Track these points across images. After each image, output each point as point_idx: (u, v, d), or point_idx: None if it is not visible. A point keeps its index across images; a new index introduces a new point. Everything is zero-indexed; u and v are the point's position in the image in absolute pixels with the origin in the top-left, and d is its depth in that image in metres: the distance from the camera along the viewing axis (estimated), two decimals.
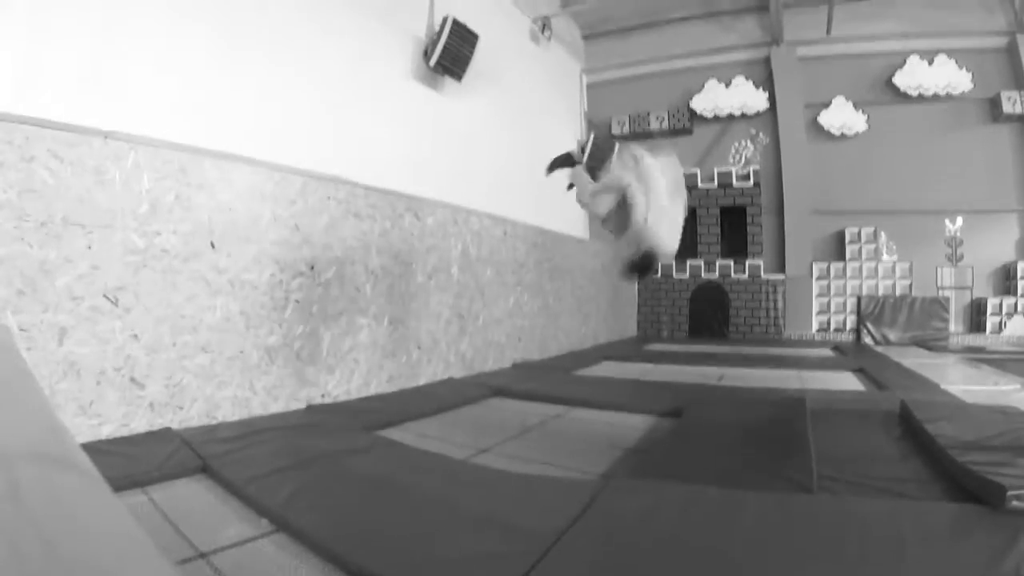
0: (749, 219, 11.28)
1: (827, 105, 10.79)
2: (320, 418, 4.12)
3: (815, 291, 10.94)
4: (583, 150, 11.39)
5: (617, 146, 3.67)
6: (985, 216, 10.13)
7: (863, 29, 10.48)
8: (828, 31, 10.36)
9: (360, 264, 5.10)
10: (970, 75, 10.06)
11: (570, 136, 11.30)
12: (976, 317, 10.16)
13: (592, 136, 11.56)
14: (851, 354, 8.38)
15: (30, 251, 3.06)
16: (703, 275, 11.51)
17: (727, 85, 11.39)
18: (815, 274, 10.92)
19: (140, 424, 3.48)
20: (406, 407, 4.59)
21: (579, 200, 3.80)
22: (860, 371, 6.58)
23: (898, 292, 10.50)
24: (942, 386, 5.23)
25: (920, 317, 10.21)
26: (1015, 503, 2.17)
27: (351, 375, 4.98)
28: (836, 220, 10.85)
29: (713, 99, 11.47)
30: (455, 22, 6.59)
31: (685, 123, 11.57)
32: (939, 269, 10.39)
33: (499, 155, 7.93)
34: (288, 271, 4.46)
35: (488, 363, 6.87)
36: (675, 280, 11.68)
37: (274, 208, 4.41)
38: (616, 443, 3.73)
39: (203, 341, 3.86)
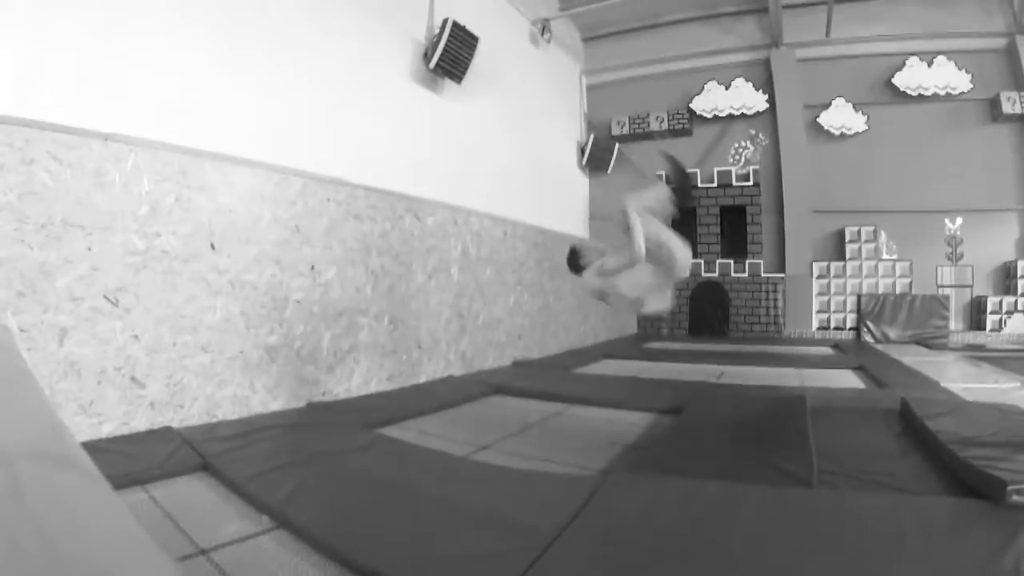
0: (749, 218, 11.29)
1: (827, 106, 10.80)
2: (320, 416, 4.13)
3: (815, 290, 10.94)
4: (583, 151, 11.42)
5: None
6: (985, 215, 10.13)
7: (862, 31, 10.48)
8: (827, 33, 10.36)
9: (360, 265, 5.11)
10: (969, 76, 10.07)
11: (570, 137, 11.31)
12: (976, 315, 10.16)
13: (592, 137, 11.58)
14: (851, 352, 8.38)
15: (30, 253, 3.07)
16: (703, 274, 11.51)
17: (727, 87, 11.40)
18: (815, 273, 10.92)
19: (141, 423, 3.49)
20: (406, 405, 4.59)
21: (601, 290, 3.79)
22: (860, 369, 6.59)
23: (898, 291, 10.51)
24: (942, 384, 5.23)
25: (920, 315, 10.21)
26: (1015, 497, 2.17)
27: (351, 374, 4.99)
28: (836, 219, 10.86)
29: (713, 100, 11.47)
30: (455, 24, 6.60)
31: (685, 124, 11.58)
32: (939, 268, 10.39)
33: (499, 156, 7.93)
34: (288, 271, 4.47)
35: (488, 361, 6.88)
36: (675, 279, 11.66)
37: (274, 209, 4.42)
38: (616, 440, 3.73)
39: (203, 341, 3.87)
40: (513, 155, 8.33)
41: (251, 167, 4.28)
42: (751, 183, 11.20)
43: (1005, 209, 10.04)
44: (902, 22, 10.28)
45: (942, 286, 10.38)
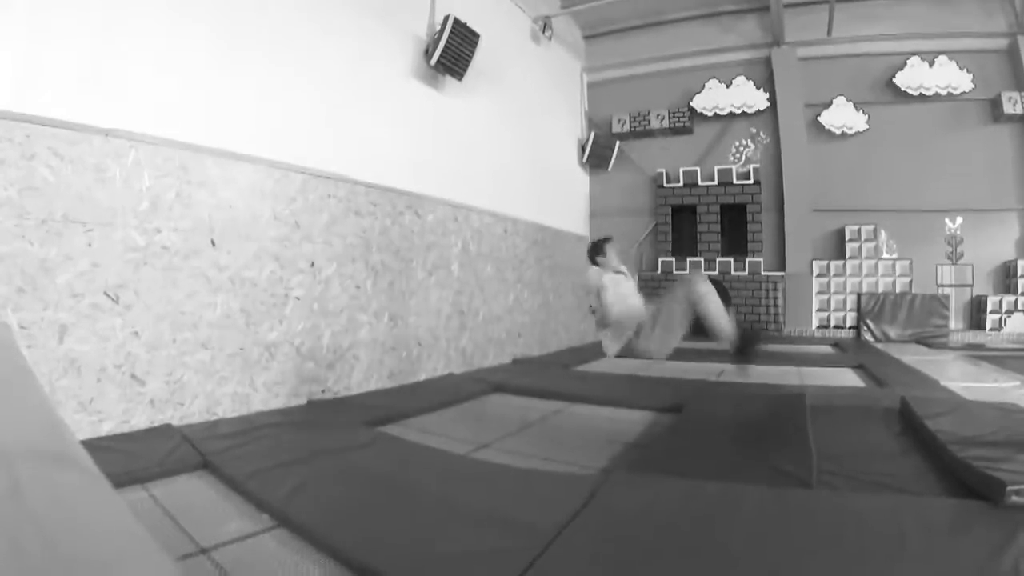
0: (749, 217, 11.28)
1: (828, 105, 10.79)
2: (321, 414, 4.13)
3: (815, 288, 10.94)
4: (584, 148, 11.40)
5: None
6: (985, 215, 10.13)
7: (864, 30, 10.47)
8: (829, 32, 10.35)
9: (361, 261, 5.11)
10: (971, 76, 10.06)
11: (570, 134, 11.30)
12: (976, 314, 10.16)
13: (592, 134, 11.57)
14: (851, 351, 8.39)
15: (31, 249, 3.07)
16: (703, 272, 11.51)
17: (728, 85, 11.39)
18: (815, 271, 10.92)
19: (141, 420, 3.49)
20: (406, 403, 4.59)
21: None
22: (860, 367, 6.59)
23: (898, 289, 10.51)
24: (942, 383, 5.23)
25: (920, 314, 10.22)
26: (1015, 498, 2.17)
27: (351, 371, 4.99)
28: (836, 218, 10.85)
29: (714, 98, 11.46)
30: (456, 21, 6.59)
31: (685, 122, 11.57)
32: (939, 267, 10.39)
33: (500, 153, 7.93)
34: (288, 268, 4.47)
35: (488, 359, 6.88)
36: (676, 277, 11.66)
37: (274, 206, 4.42)
38: (616, 438, 3.73)
39: (203, 338, 3.87)
40: (514, 152, 8.32)
41: (252, 163, 4.27)
42: (752, 181, 11.19)
43: (1005, 209, 10.04)
44: (903, 21, 10.27)
45: (942, 285, 10.38)
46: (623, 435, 3.83)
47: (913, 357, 7.36)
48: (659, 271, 11.74)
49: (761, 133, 11.27)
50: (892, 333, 10.25)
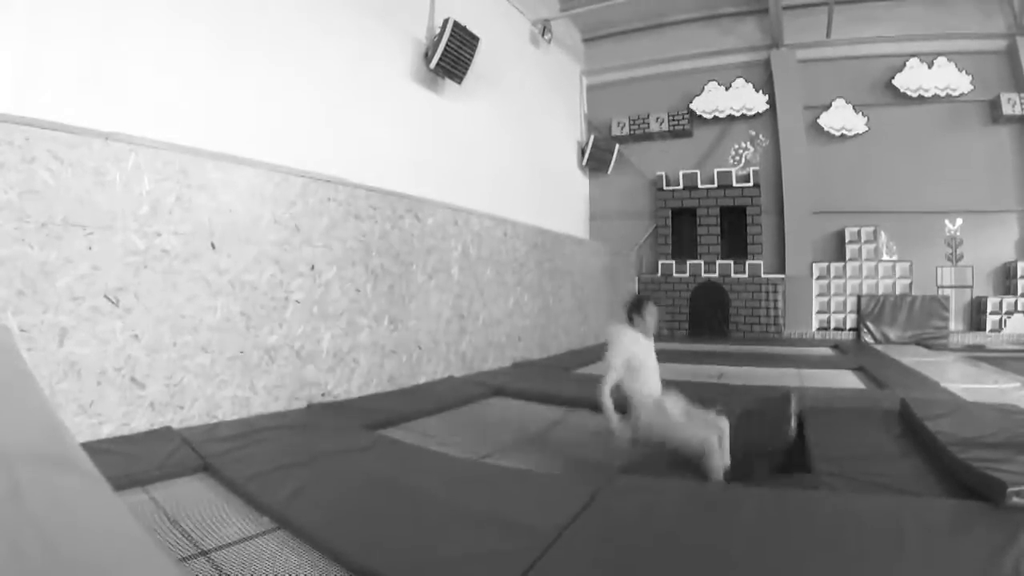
0: (749, 219, 11.30)
1: (827, 107, 10.81)
2: (320, 417, 4.12)
3: (815, 290, 10.95)
4: (583, 151, 11.41)
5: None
6: (985, 216, 10.14)
7: (863, 32, 10.50)
8: (828, 34, 10.37)
9: (361, 265, 5.11)
10: (969, 77, 10.08)
11: (570, 138, 11.31)
12: (976, 316, 10.17)
13: (592, 137, 11.59)
14: (851, 353, 8.38)
15: (31, 252, 3.07)
16: (703, 274, 11.51)
17: (727, 88, 11.41)
18: (815, 274, 10.93)
19: (141, 423, 3.48)
20: (406, 406, 4.59)
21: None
22: (860, 370, 6.59)
23: (898, 291, 10.51)
24: (942, 384, 5.23)
25: (920, 316, 10.22)
26: (1015, 499, 2.17)
27: (351, 374, 4.99)
28: (836, 220, 10.87)
29: (713, 101, 11.49)
30: (455, 24, 6.60)
31: (685, 125, 11.59)
32: (939, 268, 10.40)
33: (499, 157, 7.94)
34: (288, 272, 4.47)
35: (488, 362, 6.87)
36: (675, 279, 11.69)
37: (274, 209, 4.41)
38: (615, 442, 3.73)
39: (203, 341, 3.87)
40: (513, 155, 8.33)
41: (252, 167, 4.27)
42: (751, 184, 11.21)
43: (1005, 210, 10.05)
44: (902, 23, 10.30)
45: (942, 287, 10.39)
46: (623, 438, 3.82)
47: (913, 359, 7.36)
48: (659, 273, 11.75)
49: (760, 136, 11.29)
50: (892, 335, 10.25)
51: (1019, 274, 9.72)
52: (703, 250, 11.57)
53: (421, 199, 5.89)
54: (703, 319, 11.48)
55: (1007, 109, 9.75)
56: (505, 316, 7.29)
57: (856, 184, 10.75)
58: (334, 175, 4.96)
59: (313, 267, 4.67)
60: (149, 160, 3.61)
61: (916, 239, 10.43)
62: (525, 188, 8.44)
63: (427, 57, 6.55)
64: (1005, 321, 9.80)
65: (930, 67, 10.25)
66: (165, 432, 3.47)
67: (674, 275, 11.70)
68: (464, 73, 6.90)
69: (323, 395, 4.71)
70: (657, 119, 11.76)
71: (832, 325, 10.85)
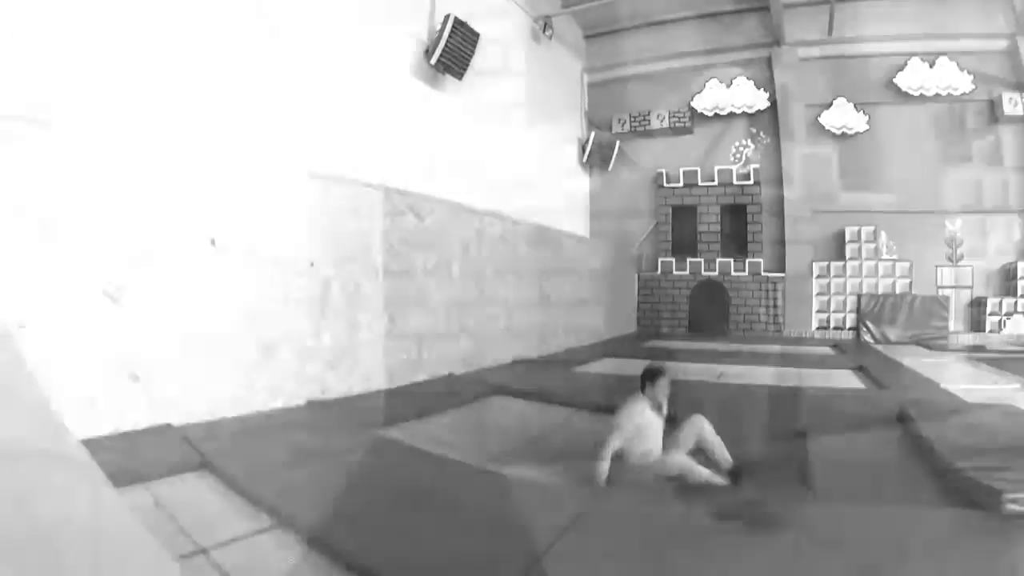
0: (749, 217, 11.30)
1: (828, 105, 10.79)
2: (320, 415, 4.13)
3: (815, 289, 10.95)
4: (584, 148, 11.39)
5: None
6: (985, 216, 10.13)
7: (864, 31, 10.47)
8: (829, 32, 10.35)
9: (360, 262, 5.10)
10: (971, 77, 10.06)
11: (571, 134, 11.29)
12: (976, 316, 10.17)
13: (592, 134, 11.57)
14: (851, 352, 8.39)
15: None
16: (703, 272, 11.52)
17: (728, 85, 11.39)
18: (815, 273, 10.92)
19: (141, 420, 3.48)
20: (405, 404, 4.59)
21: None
22: (860, 369, 6.58)
23: (898, 291, 10.51)
24: (941, 385, 5.23)
25: (920, 316, 10.22)
26: (1011, 507, 2.16)
27: (351, 372, 4.98)
28: (836, 219, 10.85)
29: (714, 98, 11.47)
30: (456, 20, 6.59)
31: (686, 122, 11.58)
32: (939, 269, 10.39)
33: (500, 153, 7.92)
34: (289, 270, 4.46)
35: (488, 360, 6.87)
36: (675, 277, 11.69)
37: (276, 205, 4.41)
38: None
39: (204, 338, 3.86)
40: (513, 152, 8.32)
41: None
42: (752, 182, 11.20)
43: (1006, 211, 10.04)
44: (904, 22, 10.27)
45: (942, 287, 10.38)
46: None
47: (913, 359, 7.36)
48: (659, 271, 11.76)
49: (761, 133, 11.27)
50: (892, 335, 10.24)
51: (1019, 275, 9.71)
52: (703, 247, 11.57)
53: (421, 196, 5.88)
54: (703, 317, 11.48)
55: (1008, 109, 9.73)
56: (505, 313, 7.29)
57: (856, 183, 10.74)
58: (335, 172, 4.95)
59: (313, 264, 4.66)
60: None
61: (916, 239, 10.42)
62: (525, 185, 8.43)
63: (428, 53, 6.54)
64: (1005, 322, 9.80)
65: (931, 66, 10.23)
66: (165, 429, 3.47)
67: (674, 272, 11.70)
68: (465, 69, 6.89)
69: (323, 392, 4.70)
70: (658, 116, 11.74)
71: (832, 324, 10.85)
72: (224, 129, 4.19)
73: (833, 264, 10.82)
